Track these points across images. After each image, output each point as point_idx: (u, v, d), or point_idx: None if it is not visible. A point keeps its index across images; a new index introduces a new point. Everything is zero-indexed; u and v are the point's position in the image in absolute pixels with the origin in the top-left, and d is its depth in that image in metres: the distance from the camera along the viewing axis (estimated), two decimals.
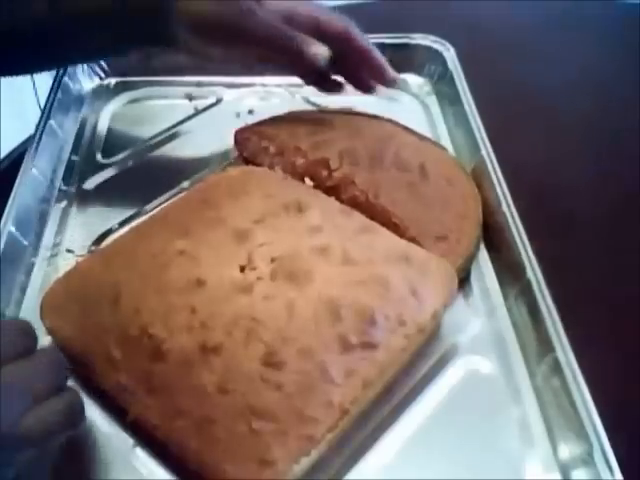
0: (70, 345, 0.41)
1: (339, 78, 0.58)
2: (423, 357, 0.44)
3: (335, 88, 0.59)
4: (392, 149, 0.54)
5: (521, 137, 0.64)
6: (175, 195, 0.55)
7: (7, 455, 0.31)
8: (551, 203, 0.59)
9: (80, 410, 0.36)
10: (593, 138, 0.66)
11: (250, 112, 0.64)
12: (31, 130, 0.58)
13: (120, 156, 0.60)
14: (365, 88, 0.58)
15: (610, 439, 0.37)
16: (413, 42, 0.68)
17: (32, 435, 0.31)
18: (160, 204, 0.55)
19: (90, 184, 0.58)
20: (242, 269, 0.42)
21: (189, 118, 0.64)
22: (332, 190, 0.52)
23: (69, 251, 0.52)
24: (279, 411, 0.36)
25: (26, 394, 0.31)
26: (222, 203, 0.47)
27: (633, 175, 0.61)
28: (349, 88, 0.59)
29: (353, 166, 0.52)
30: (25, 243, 0.51)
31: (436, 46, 0.68)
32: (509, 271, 0.48)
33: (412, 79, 0.69)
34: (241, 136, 0.57)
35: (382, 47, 0.67)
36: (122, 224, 0.53)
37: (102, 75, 0.68)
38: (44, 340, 0.42)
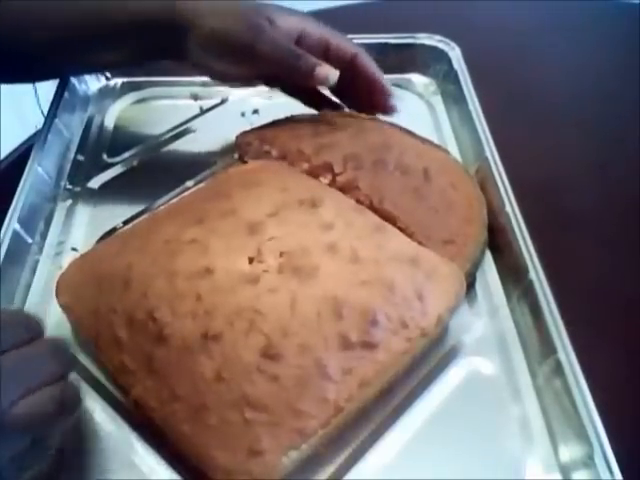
0: (81, 323, 0.43)
1: (337, 100, 0.59)
2: (425, 357, 0.44)
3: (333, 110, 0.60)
4: (395, 153, 0.53)
5: (524, 136, 0.64)
6: (180, 194, 0.55)
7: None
8: (554, 203, 0.58)
9: (74, 401, 0.35)
10: (595, 138, 0.66)
11: (255, 112, 0.64)
12: (31, 130, 0.58)
13: (125, 155, 0.60)
14: (365, 112, 0.59)
15: (611, 440, 0.37)
16: (418, 42, 0.68)
17: (20, 423, 0.31)
18: (165, 203, 0.55)
19: (95, 183, 0.58)
20: (250, 261, 0.43)
21: (194, 118, 0.64)
22: None
23: (74, 249, 0.52)
24: (273, 403, 0.36)
25: (19, 382, 0.32)
26: (237, 195, 0.48)
27: (635, 175, 0.61)
28: None
29: (357, 170, 0.52)
30: (30, 241, 0.51)
31: (441, 46, 0.68)
32: (512, 272, 0.48)
33: (417, 79, 0.69)
34: (242, 140, 0.58)
35: (386, 47, 0.67)
36: (127, 223, 0.54)
37: (108, 75, 0.68)
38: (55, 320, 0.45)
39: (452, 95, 0.65)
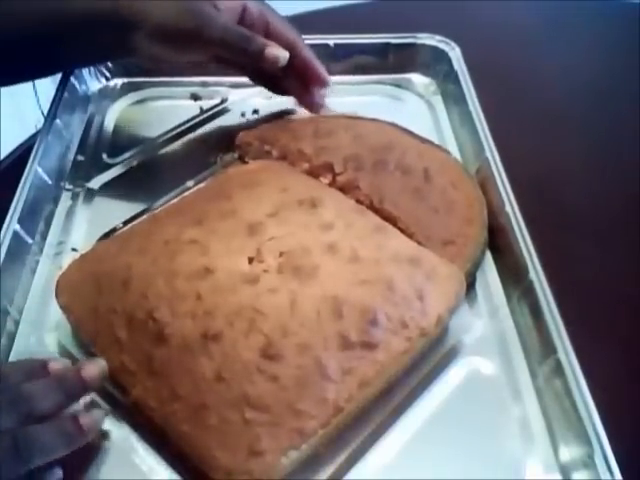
0: (81, 323, 0.43)
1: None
2: (425, 357, 0.44)
3: (284, 93, 0.60)
4: (395, 154, 0.53)
5: (524, 136, 0.64)
6: (180, 194, 0.55)
7: None
8: (554, 203, 0.58)
9: (73, 439, 0.36)
10: (596, 138, 0.66)
11: (255, 112, 0.64)
12: (31, 130, 0.58)
13: (125, 156, 0.60)
14: (300, 94, 0.59)
15: (611, 440, 0.37)
16: (419, 42, 0.68)
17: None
18: (165, 203, 0.55)
19: (95, 183, 0.58)
20: (250, 261, 0.43)
21: (194, 118, 0.64)
22: None
23: (74, 250, 0.52)
24: (273, 403, 0.37)
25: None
26: (237, 195, 0.48)
27: (635, 175, 0.61)
28: None
29: (357, 171, 0.52)
30: (30, 241, 0.51)
31: (442, 46, 0.68)
32: (512, 272, 0.48)
33: (417, 79, 0.69)
34: (243, 140, 0.58)
35: (387, 47, 0.67)
36: (127, 223, 0.53)
37: (108, 75, 0.68)
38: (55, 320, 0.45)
39: (452, 95, 0.65)
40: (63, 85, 0.63)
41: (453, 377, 0.44)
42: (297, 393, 0.37)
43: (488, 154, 0.54)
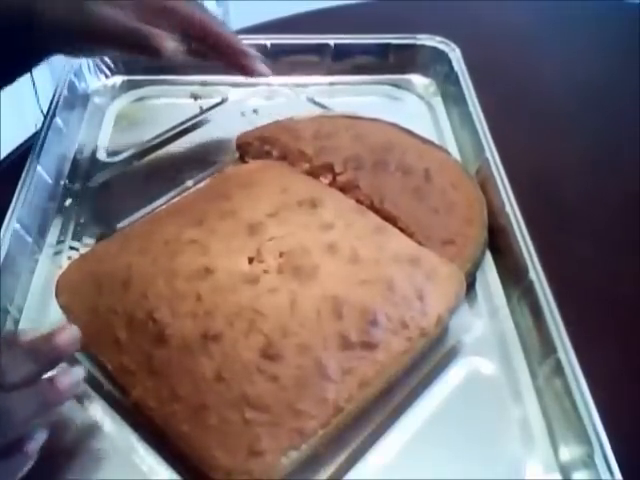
0: (81, 323, 0.42)
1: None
2: (425, 358, 0.44)
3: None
4: (396, 154, 0.54)
5: (524, 137, 0.64)
6: (179, 194, 0.55)
7: None
8: (554, 203, 0.58)
9: (51, 403, 0.35)
10: (596, 138, 0.66)
11: (255, 111, 0.64)
12: (31, 130, 0.58)
13: (125, 155, 0.60)
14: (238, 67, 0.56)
15: (611, 440, 0.37)
16: (419, 42, 0.68)
17: None
18: (165, 203, 0.55)
19: (95, 182, 0.58)
20: (250, 261, 0.43)
21: (194, 117, 0.64)
22: None
23: (73, 249, 0.52)
24: (272, 403, 0.37)
25: None
26: (237, 195, 0.48)
27: (634, 176, 0.61)
28: None
29: (357, 171, 0.52)
30: (29, 240, 0.51)
31: (442, 47, 0.68)
32: (512, 272, 0.48)
33: (417, 79, 0.69)
34: (243, 140, 0.58)
35: (387, 47, 0.67)
36: (127, 223, 0.53)
37: (108, 74, 0.68)
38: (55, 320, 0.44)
39: (452, 96, 0.65)
40: (63, 83, 0.63)
41: (453, 377, 0.44)
42: (297, 393, 0.37)
43: (488, 154, 0.55)
